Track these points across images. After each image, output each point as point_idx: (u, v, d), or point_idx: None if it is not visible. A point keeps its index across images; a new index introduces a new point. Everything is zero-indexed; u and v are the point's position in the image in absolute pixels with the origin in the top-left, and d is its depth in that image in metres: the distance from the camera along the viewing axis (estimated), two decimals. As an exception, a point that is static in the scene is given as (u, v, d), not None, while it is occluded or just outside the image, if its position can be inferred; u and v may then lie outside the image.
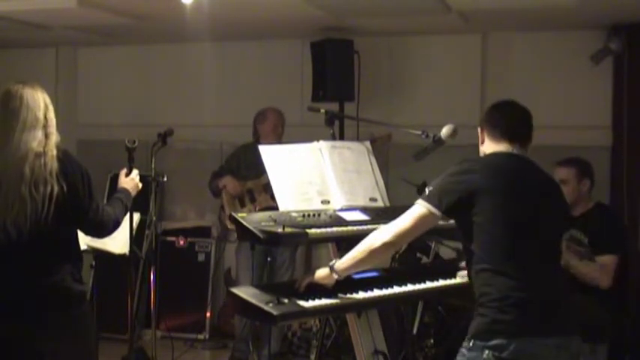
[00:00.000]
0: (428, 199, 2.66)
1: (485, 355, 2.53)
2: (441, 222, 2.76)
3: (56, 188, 2.88)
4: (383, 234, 2.75)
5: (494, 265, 2.59)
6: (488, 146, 2.81)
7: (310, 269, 5.23)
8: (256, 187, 5.14)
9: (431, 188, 2.68)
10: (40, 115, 2.95)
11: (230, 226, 5.21)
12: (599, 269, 4.18)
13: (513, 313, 2.54)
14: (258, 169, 5.11)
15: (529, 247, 2.61)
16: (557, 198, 2.82)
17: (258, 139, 5.26)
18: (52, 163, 2.90)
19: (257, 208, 5.03)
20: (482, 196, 2.58)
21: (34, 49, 6.69)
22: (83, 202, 2.99)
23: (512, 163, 2.73)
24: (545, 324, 2.56)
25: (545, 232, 2.68)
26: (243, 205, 5.18)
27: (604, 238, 4.24)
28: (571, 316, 2.66)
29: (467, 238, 2.68)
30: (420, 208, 2.69)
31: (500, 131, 2.78)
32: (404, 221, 2.72)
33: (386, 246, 2.76)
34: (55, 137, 2.98)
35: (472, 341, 2.59)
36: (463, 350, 2.63)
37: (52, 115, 3.00)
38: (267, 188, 5.02)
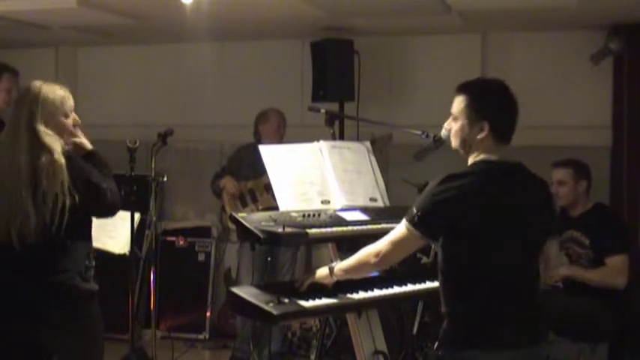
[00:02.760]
0: (413, 224, 2.58)
1: None
2: None
3: (68, 202, 2.84)
4: (373, 254, 2.75)
5: (470, 282, 2.56)
6: (484, 145, 2.61)
7: (310, 269, 5.23)
8: (258, 188, 5.14)
9: (418, 213, 2.56)
10: (25, 122, 2.89)
11: (231, 226, 5.21)
12: (610, 272, 4.18)
13: (485, 326, 2.54)
14: (259, 169, 5.11)
15: (507, 267, 2.58)
16: (544, 205, 2.72)
17: (259, 140, 5.26)
18: (63, 175, 2.84)
19: (259, 209, 5.02)
20: (467, 222, 2.51)
21: (34, 49, 6.69)
22: (94, 203, 2.97)
23: (499, 177, 2.60)
24: (517, 336, 2.56)
25: (526, 248, 2.63)
26: (244, 205, 5.18)
27: (610, 239, 4.24)
28: (540, 325, 2.65)
29: (446, 254, 2.62)
30: (405, 230, 2.62)
31: (504, 133, 2.63)
32: (391, 244, 2.69)
33: (374, 267, 2.81)
34: (59, 144, 2.91)
35: (443, 350, 2.60)
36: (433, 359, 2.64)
37: (41, 121, 2.91)
38: (269, 188, 4.99)
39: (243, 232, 3.05)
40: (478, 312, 2.55)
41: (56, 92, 3.02)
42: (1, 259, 2.92)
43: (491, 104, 2.66)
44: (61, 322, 2.96)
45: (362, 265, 2.82)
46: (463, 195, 2.51)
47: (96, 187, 2.96)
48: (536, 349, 2.60)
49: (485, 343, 2.52)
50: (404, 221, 2.63)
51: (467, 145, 2.65)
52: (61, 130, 3.00)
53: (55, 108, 2.99)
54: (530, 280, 2.68)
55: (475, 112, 2.64)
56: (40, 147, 2.86)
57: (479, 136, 2.61)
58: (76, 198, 2.85)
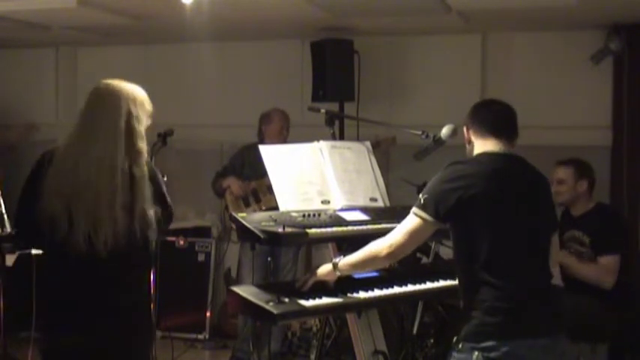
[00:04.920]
0: (423, 208, 2.66)
1: (474, 357, 2.55)
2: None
3: (151, 215, 2.78)
4: (385, 246, 2.76)
5: (483, 271, 2.60)
6: (476, 145, 2.81)
7: (311, 269, 5.23)
8: (260, 188, 5.13)
9: (426, 196, 2.66)
10: (121, 122, 2.77)
11: (234, 226, 5.20)
12: (600, 271, 4.18)
13: (503, 315, 2.56)
14: (262, 169, 5.10)
15: (518, 252, 2.63)
16: (546, 199, 2.83)
17: (262, 140, 5.26)
18: (147, 188, 2.76)
19: (262, 209, 5.01)
20: (474, 203, 2.59)
21: (34, 49, 6.69)
22: (162, 217, 2.94)
23: (502, 165, 2.72)
24: (533, 326, 2.58)
25: (534, 235, 2.70)
26: (247, 205, 5.18)
27: (605, 237, 4.24)
28: (558, 316, 2.68)
29: (458, 244, 2.70)
30: (416, 218, 2.69)
31: (485, 127, 2.78)
32: (403, 233, 2.72)
33: (388, 257, 2.80)
34: (145, 151, 2.80)
35: (462, 343, 2.61)
36: (453, 353, 2.65)
37: (139, 123, 2.79)
38: (272, 189, 5.01)
39: (244, 232, 3.06)
40: (494, 302, 2.57)
41: (143, 93, 2.93)
42: (84, 270, 2.80)
43: (468, 114, 2.90)
44: (127, 340, 2.88)
45: (372, 259, 2.82)
46: (468, 174, 2.64)
47: (165, 200, 2.95)
48: (556, 339, 2.62)
49: (503, 334, 2.54)
50: (413, 209, 2.70)
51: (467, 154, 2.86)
52: (145, 134, 2.88)
53: (147, 110, 2.90)
54: (543, 270, 2.72)
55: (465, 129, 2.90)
56: (135, 151, 2.76)
57: (466, 139, 2.87)
58: (157, 212, 2.81)
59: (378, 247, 2.78)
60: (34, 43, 6.51)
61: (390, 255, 2.76)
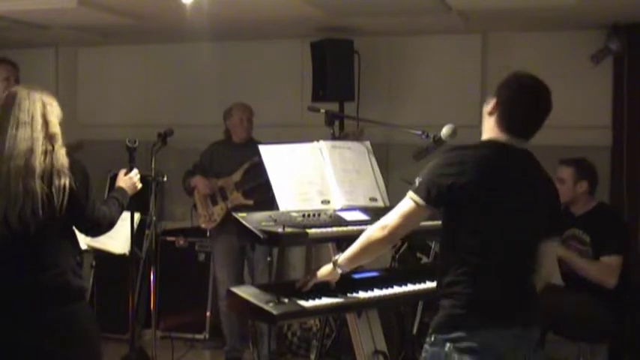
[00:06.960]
0: (416, 191, 2.63)
1: (446, 349, 2.54)
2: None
3: (68, 182, 2.89)
4: (378, 230, 2.73)
5: (460, 259, 2.58)
6: (491, 129, 2.70)
7: (311, 271, 5.23)
8: (228, 185, 5.16)
9: (420, 179, 2.64)
10: (37, 115, 2.95)
11: (203, 224, 5.24)
12: (601, 270, 4.18)
13: (473, 307, 2.54)
14: (229, 167, 5.15)
15: (498, 247, 2.59)
16: (544, 198, 2.76)
17: (230, 136, 5.35)
18: (63, 159, 2.92)
19: (229, 207, 5.04)
20: (466, 192, 2.55)
21: (34, 49, 6.69)
22: (81, 199, 2.99)
23: (504, 160, 2.66)
24: (505, 316, 2.57)
25: (520, 234, 2.65)
26: (215, 203, 5.21)
27: (608, 238, 4.25)
28: (532, 308, 2.65)
29: (444, 230, 2.67)
30: (409, 201, 2.66)
31: (508, 123, 2.67)
32: (396, 216, 2.69)
33: (383, 242, 2.75)
34: (60, 137, 2.98)
35: (433, 336, 2.60)
36: (425, 346, 2.63)
37: (52, 116, 2.99)
38: (239, 186, 5.06)
39: (243, 232, 3.05)
40: (463, 291, 2.56)
41: (51, 96, 3.12)
42: None
43: (507, 89, 2.74)
44: (52, 320, 2.93)
45: (368, 245, 2.78)
46: (465, 162, 2.57)
47: (87, 194, 3.02)
48: (528, 328, 2.60)
49: (471, 324, 2.53)
50: (408, 192, 2.67)
51: (482, 121, 2.74)
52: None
53: (57, 108, 3.06)
54: (522, 264, 2.68)
55: (495, 89, 2.76)
56: (51, 134, 2.95)
57: (484, 109, 2.73)
58: (74, 182, 2.92)
59: (373, 231, 2.76)
60: (34, 43, 6.51)
61: (385, 238, 2.72)
